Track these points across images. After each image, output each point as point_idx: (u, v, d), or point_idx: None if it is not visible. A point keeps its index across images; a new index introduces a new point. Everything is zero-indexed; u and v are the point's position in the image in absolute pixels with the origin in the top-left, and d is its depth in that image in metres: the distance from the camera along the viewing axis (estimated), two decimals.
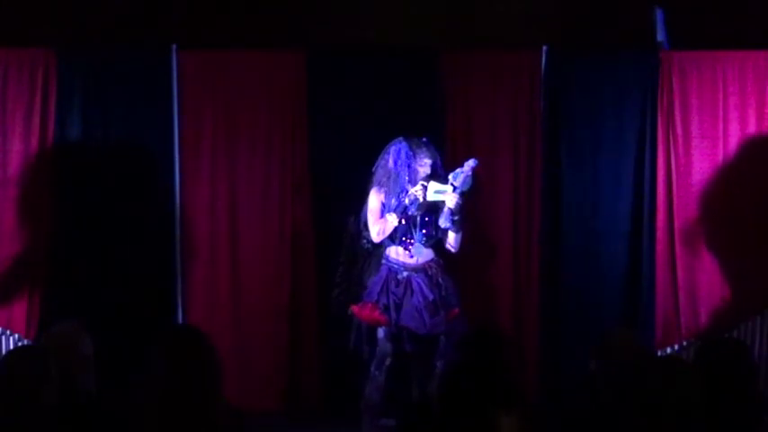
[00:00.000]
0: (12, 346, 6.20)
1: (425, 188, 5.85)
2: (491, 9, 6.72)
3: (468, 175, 5.85)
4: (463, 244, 5.99)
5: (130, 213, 6.42)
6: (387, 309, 5.82)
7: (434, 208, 5.91)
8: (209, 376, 3.24)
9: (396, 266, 5.91)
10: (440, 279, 5.91)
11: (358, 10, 6.71)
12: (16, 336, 6.31)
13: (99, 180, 6.43)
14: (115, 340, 5.88)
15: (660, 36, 6.60)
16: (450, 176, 5.85)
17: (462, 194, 5.84)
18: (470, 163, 5.86)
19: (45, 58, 6.41)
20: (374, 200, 5.92)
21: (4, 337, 6.33)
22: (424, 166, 5.90)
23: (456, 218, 5.85)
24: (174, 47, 6.48)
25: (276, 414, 6.42)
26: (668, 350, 6.44)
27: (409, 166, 5.89)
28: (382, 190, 5.91)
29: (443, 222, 5.86)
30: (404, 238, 5.91)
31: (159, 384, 3.20)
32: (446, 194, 5.83)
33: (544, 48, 6.53)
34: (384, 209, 5.89)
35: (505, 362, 4.13)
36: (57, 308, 6.20)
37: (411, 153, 5.89)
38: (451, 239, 5.95)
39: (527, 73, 6.58)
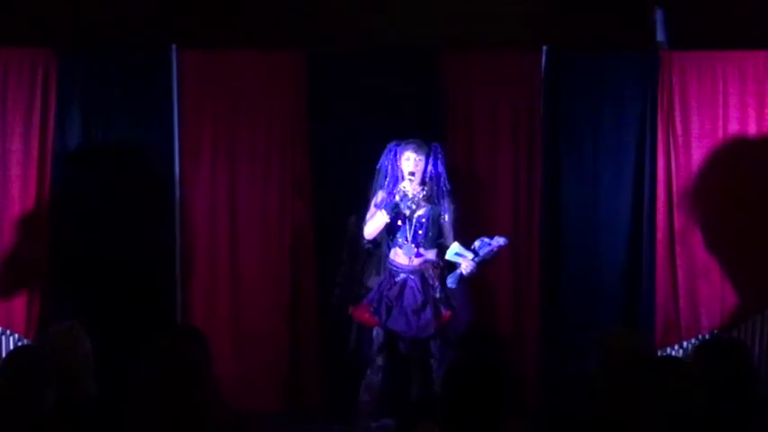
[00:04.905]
0: (12, 346, 6.20)
1: (412, 182, 5.84)
2: (491, 9, 6.71)
3: (493, 250, 5.82)
4: None
5: (130, 213, 6.42)
6: (377, 311, 5.82)
7: (434, 213, 5.91)
8: (209, 376, 3.24)
9: (395, 269, 5.92)
10: (436, 281, 5.91)
11: (358, 10, 6.71)
12: (16, 336, 6.31)
13: (99, 180, 6.43)
14: (115, 340, 5.88)
15: (660, 36, 6.61)
16: (477, 243, 5.82)
17: (479, 264, 5.83)
18: (500, 241, 5.83)
19: (45, 58, 6.40)
20: (377, 199, 5.96)
21: (4, 337, 6.33)
22: (408, 159, 5.89)
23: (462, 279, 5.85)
24: (174, 47, 6.48)
25: (276, 414, 6.42)
26: (668, 350, 6.44)
27: (392, 164, 5.91)
28: (380, 190, 5.95)
29: (449, 282, 5.83)
30: (400, 239, 5.91)
31: (158, 384, 3.20)
32: (465, 259, 5.80)
33: (544, 48, 6.53)
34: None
35: (503, 362, 4.13)
36: (57, 308, 6.20)
37: (395, 150, 5.91)
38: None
39: (527, 73, 6.57)
